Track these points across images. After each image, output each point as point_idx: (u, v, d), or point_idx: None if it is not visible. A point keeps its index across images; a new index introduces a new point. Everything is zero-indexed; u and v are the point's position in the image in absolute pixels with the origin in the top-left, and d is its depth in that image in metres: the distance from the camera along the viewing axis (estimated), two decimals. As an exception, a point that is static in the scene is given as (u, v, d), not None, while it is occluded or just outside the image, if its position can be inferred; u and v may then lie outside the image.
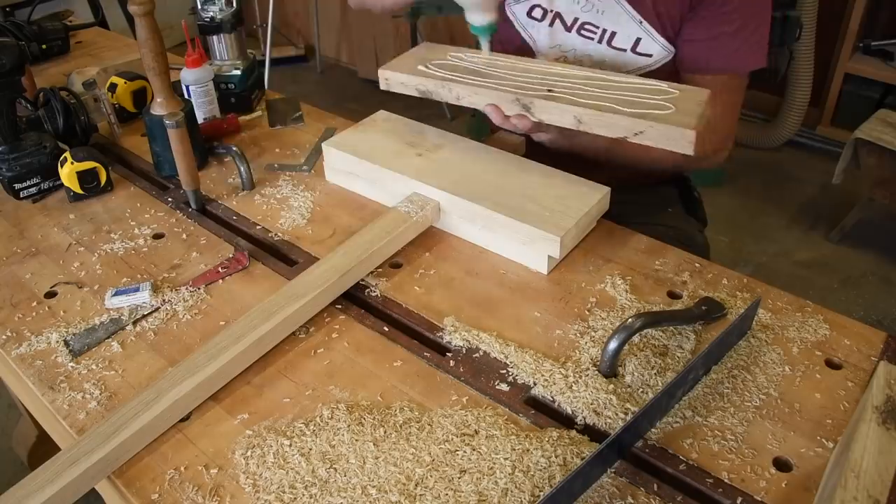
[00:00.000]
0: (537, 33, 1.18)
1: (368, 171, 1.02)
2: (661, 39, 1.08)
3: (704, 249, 1.23)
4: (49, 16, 1.65)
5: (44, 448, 1.69)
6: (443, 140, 1.06)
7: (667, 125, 0.83)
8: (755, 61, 1.07)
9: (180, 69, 1.17)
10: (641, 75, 1.10)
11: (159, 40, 0.96)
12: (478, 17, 1.01)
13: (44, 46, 1.52)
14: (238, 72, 1.25)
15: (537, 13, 1.16)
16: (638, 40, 1.09)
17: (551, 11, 1.14)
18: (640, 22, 1.08)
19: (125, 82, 1.24)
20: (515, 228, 0.88)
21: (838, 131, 2.76)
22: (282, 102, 1.34)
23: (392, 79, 1.02)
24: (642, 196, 1.24)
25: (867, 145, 2.18)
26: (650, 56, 1.10)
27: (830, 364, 0.76)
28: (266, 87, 1.42)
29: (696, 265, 0.91)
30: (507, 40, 1.22)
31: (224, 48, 1.25)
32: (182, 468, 0.67)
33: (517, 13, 1.19)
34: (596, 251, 0.93)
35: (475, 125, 3.01)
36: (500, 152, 1.02)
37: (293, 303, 0.80)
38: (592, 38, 1.12)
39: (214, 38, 1.23)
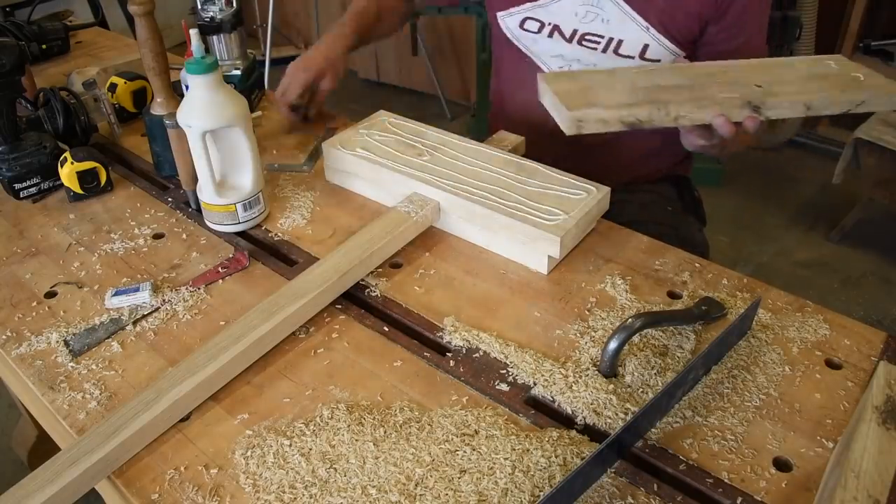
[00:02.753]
0: (534, 44, 1.18)
1: (368, 171, 1.02)
2: (669, 44, 1.09)
3: (704, 248, 1.23)
4: (49, 16, 1.65)
5: (44, 448, 1.69)
6: (443, 140, 1.06)
7: (885, 91, 0.86)
8: (762, 40, 1.13)
9: (180, 69, 1.17)
10: None
11: (159, 40, 0.96)
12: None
13: (44, 46, 1.52)
14: (238, 72, 1.25)
15: (532, 25, 1.16)
16: (646, 46, 1.10)
17: (549, 24, 1.14)
18: (647, 28, 1.08)
19: (125, 82, 1.24)
20: (515, 228, 0.88)
21: (838, 131, 2.76)
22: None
23: (587, 118, 0.82)
24: (641, 196, 1.24)
25: (867, 145, 2.18)
26: (658, 62, 1.11)
27: (830, 364, 0.76)
28: (266, 87, 1.42)
29: (696, 265, 0.91)
30: (505, 51, 1.22)
31: (224, 48, 1.24)
32: (182, 468, 0.67)
33: (509, 25, 1.18)
34: (596, 251, 0.93)
35: (475, 125, 3.01)
36: (501, 152, 1.02)
37: (293, 303, 0.80)
38: (596, 48, 1.12)
39: (214, 38, 1.23)
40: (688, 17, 1.07)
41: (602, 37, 1.11)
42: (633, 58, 1.11)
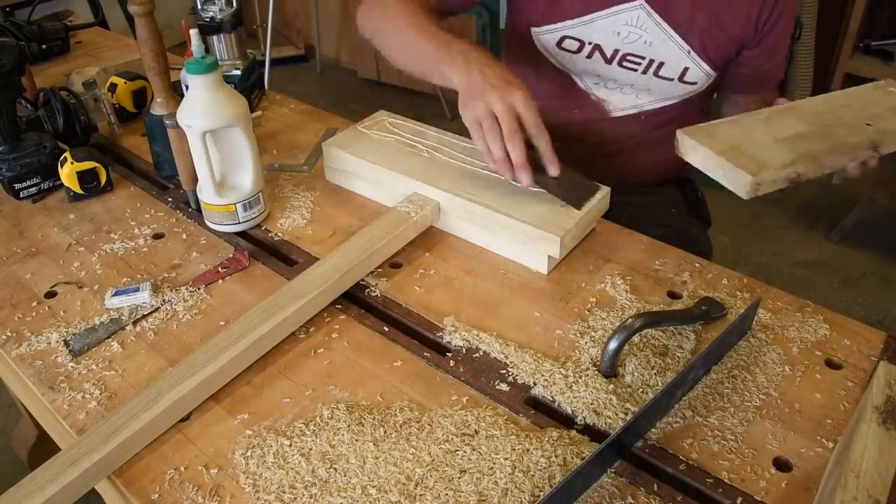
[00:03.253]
0: (572, 64, 1.14)
1: (368, 171, 1.02)
2: (706, 67, 1.10)
3: (708, 250, 1.23)
4: (49, 16, 1.65)
5: (44, 448, 1.69)
6: (442, 139, 1.05)
7: None
8: (780, 76, 1.19)
9: (180, 69, 1.17)
10: (685, 100, 1.16)
11: (159, 40, 0.96)
12: None
13: (44, 46, 1.52)
14: (238, 72, 1.25)
15: (570, 45, 1.11)
16: (685, 70, 1.10)
17: (589, 44, 1.10)
18: (689, 52, 1.08)
19: (125, 82, 1.24)
20: (515, 228, 0.88)
21: (838, 131, 2.76)
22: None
23: (763, 181, 0.82)
24: (644, 197, 1.24)
25: (867, 145, 2.18)
26: (695, 84, 1.12)
27: (830, 364, 0.76)
28: (266, 87, 1.42)
29: (696, 265, 0.91)
30: (532, 63, 1.17)
31: (224, 48, 1.24)
32: (182, 468, 0.67)
33: (546, 44, 1.13)
34: (596, 251, 0.93)
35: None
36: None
37: (293, 302, 0.80)
38: (636, 70, 1.11)
39: (214, 38, 1.23)
40: (728, 42, 1.09)
41: (643, 58, 1.09)
42: (672, 80, 1.11)
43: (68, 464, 0.65)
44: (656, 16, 1.06)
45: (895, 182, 2.22)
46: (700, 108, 1.22)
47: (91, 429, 0.68)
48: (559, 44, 1.11)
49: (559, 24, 1.10)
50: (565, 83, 1.17)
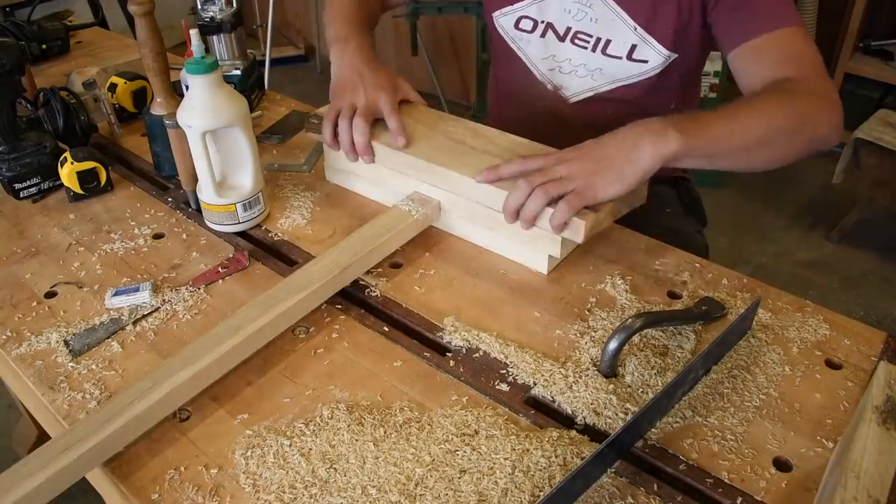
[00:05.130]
0: (527, 45, 1.16)
1: (368, 171, 1.01)
2: (657, 45, 1.06)
3: (703, 251, 1.23)
4: (49, 16, 1.65)
5: (44, 448, 1.69)
6: (447, 129, 1.01)
7: None
8: (790, 20, 0.95)
9: (180, 69, 1.17)
10: (642, 81, 1.10)
11: (159, 40, 0.96)
12: None
13: (44, 46, 1.52)
14: (238, 72, 1.25)
15: (526, 24, 1.14)
16: (633, 47, 1.07)
17: (542, 22, 1.12)
18: (635, 28, 1.06)
19: (125, 82, 1.24)
20: (516, 227, 0.88)
21: (838, 131, 2.76)
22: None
23: None
24: None
25: (867, 145, 2.18)
26: (646, 62, 1.08)
27: (830, 364, 0.76)
28: (266, 87, 1.42)
29: (696, 265, 0.91)
30: (501, 53, 1.20)
31: (224, 48, 1.24)
32: (182, 468, 0.67)
33: (504, 25, 1.17)
34: (596, 251, 0.93)
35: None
36: (512, 138, 0.99)
37: (292, 296, 0.80)
38: (586, 47, 1.10)
39: (214, 38, 1.23)
40: (677, 13, 1.03)
41: (591, 35, 1.09)
42: (620, 58, 1.08)
43: (61, 450, 0.64)
44: None
45: (895, 182, 2.22)
46: (670, 99, 1.15)
47: (85, 417, 0.68)
48: (516, 24, 1.15)
49: (516, 6, 1.14)
50: (528, 76, 1.19)
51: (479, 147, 0.95)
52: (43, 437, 1.64)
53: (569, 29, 1.11)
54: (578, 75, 1.14)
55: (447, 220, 0.97)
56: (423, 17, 3.09)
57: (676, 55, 1.08)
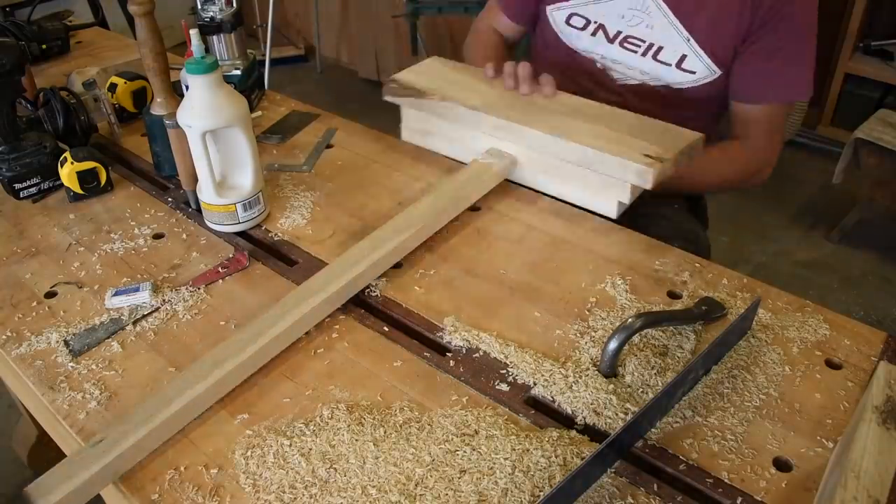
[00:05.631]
0: (577, 41, 1.21)
1: (448, 128, 1.08)
2: (707, 59, 1.12)
3: (706, 248, 1.23)
4: (49, 16, 1.65)
5: (44, 448, 1.69)
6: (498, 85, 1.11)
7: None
8: (797, 93, 1.14)
9: (180, 69, 1.17)
10: (687, 90, 1.18)
11: (159, 40, 0.96)
12: None
13: (44, 46, 1.52)
14: (238, 72, 1.25)
15: (577, 21, 1.19)
16: (683, 57, 1.13)
17: (595, 22, 1.17)
18: (688, 40, 1.12)
19: (125, 82, 1.24)
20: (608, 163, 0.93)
21: (838, 131, 2.76)
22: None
23: None
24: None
25: (867, 145, 2.18)
26: (693, 73, 1.14)
27: (830, 364, 0.76)
28: (266, 87, 1.42)
29: (696, 265, 0.91)
30: (549, 42, 1.26)
31: (224, 48, 1.24)
32: (182, 468, 0.67)
33: (556, 19, 1.22)
34: (596, 251, 0.93)
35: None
36: (577, 99, 1.07)
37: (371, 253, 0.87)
38: (636, 52, 1.16)
39: (214, 38, 1.23)
40: (730, 36, 1.11)
41: (643, 41, 1.15)
42: (670, 65, 1.15)
43: (77, 468, 0.64)
44: (661, 2, 1.11)
45: (895, 182, 2.22)
46: (707, 119, 1.23)
47: (97, 435, 0.67)
48: (567, 20, 1.21)
49: (571, 2, 1.20)
50: (574, 58, 1.24)
51: (550, 107, 1.04)
52: (43, 437, 1.64)
53: (619, 33, 1.16)
54: (629, 67, 1.20)
55: (521, 173, 1.05)
56: (423, 17, 3.09)
57: (721, 73, 1.13)
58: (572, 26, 1.20)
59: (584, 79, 1.24)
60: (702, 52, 1.12)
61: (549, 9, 1.23)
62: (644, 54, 1.16)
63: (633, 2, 1.14)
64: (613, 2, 1.16)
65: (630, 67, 1.19)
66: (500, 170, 1.03)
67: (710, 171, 1.14)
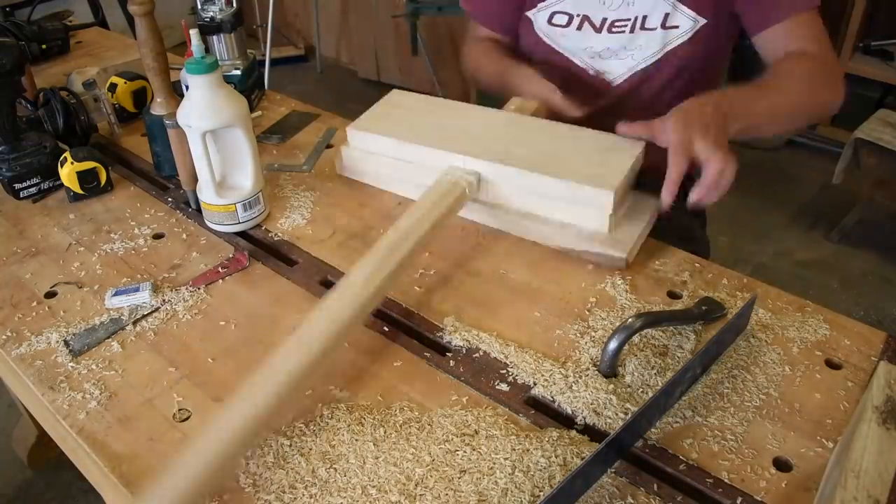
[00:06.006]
0: (564, 39, 1.19)
1: (404, 152, 1.00)
2: (688, 10, 1.11)
3: (705, 246, 1.24)
4: (49, 16, 1.65)
5: (44, 448, 1.69)
6: (466, 111, 1.07)
7: None
8: (812, 1, 1.08)
9: (180, 69, 1.17)
10: (678, 47, 1.14)
11: (159, 40, 0.96)
12: None
13: (44, 46, 1.52)
14: (238, 72, 1.25)
15: (560, 19, 1.17)
16: (666, 15, 1.12)
17: (578, 15, 1.16)
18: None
19: (125, 82, 1.24)
20: (571, 189, 0.89)
21: (838, 131, 2.76)
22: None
23: None
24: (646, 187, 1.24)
25: (867, 145, 2.18)
26: (677, 27, 1.12)
27: (830, 364, 0.76)
28: (266, 86, 1.42)
29: (696, 265, 0.91)
30: (539, 53, 1.23)
31: (224, 48, 1.25)
32: (182, 468, 0.67)
33: (537, 20, 1.20)
34: (596, 251, 0.93)
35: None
36: (526, 117, 1.04)
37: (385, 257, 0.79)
38: (624, 31, 1.14)
39: (214, 38, 1.23)
40: None
41: (628, 20, 1.14)
42: (655, 28, 1.13)
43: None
44: None
45: (895, 182, 2.22)
46: (701, 75, 1.19)
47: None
48: (550, 20, 1.18)
49: (548, 2, 1.17)
50: (569, 66, 1.21)
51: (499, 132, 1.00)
52: (43, 437, 1.64)
53: (605, 20, 1.15)
54: (619, 57, 1.18)
55: (490, 190, 0.96)
56: (423, 17, 3.09)
57: (705, 20, 1.11)
58: (555, 25, 1.18)
59: (580, 86, 1.21)
60: (683, 6, 1.10)
61: (530, 13, 1.21)
62: (632, 30, 1.14)
63: None
64: None
65: (620, 49, 1.16)
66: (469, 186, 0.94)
67: (781, 108, 1.02)
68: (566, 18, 1.16)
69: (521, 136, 0.98)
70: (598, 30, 1.15)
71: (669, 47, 1.15)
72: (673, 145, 0.89)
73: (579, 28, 1.16)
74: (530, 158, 0.93)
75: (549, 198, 0.92)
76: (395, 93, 1.13)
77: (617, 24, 1.14)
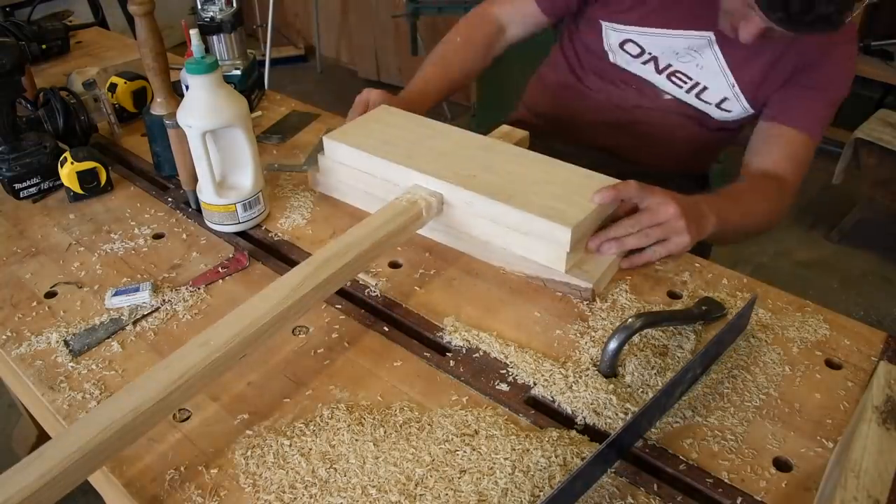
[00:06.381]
0: (626, 64, 1.22)
1: (371, 166, 0.98)
2: (745, 103, 1.15)
3: (706, 248, 1.24)
4: (49, 16, 1.65)
5: (44, 448, 1.69)
6: (446, 131, 1.03)
7: None
8: (819, 134, 1.12)
9: (180, 69, 1.17)
10: (719, 124, 1.21)
11: (159, 40, 0.96)
12: None
13: (44, 46, 1.52)
14: (238, 72, 1.25)
15: (632, 49, 1.19)
16: (724, 99, 1.17)
17: (649, 54, 1.18)
18: (733, 86, 1.14)
19: (125, 82, 1.24)
20: (528, 220, 0.85)
21: (838, 131, 2.76)
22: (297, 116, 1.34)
23: None
24: (659, 183, 1.24)
25: (867, 145, 2.19)
26: (730, 112, 1.18)
27: (830, 364, 0.76)
28: (266, 87, 1.42)
29: (696, 265, 0.91)
30: (592, 49, 1.24)
31: (224, 48, 1.25)
32: (182, 468, 0.67)
33: (611, 38, 1.20)
34: (596, 251, 0.93)
35: (475, 125, 3.01)
36: (506, 145, 1.01)
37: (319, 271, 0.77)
38: (681, 87, 1.19)
39: (214, 38, 1.23)
40: (771, 88, 1.13)
41: (691, 78, 1.17)
42: (710, 104, 1.18)
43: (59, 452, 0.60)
44: (717, 50, 1.12)
45: (895, 182, 2.22)
46: (714, 134, 1.26)
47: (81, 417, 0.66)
48: (622, 45, 1.20)
49: (630, 27, 1.17)
50: (620, 71, 1.24)
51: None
52: (43, 437, 1.64)
53: (669, 66, 1.18)
54: (663, 99, 1.23)
55: (453, 214, 0.93)
56: (423, 17, 3.09)
57: (753, 112, 1.17)
58: (626, 51, 1.20)
59: (629, 90, 1.24)
60: (742, 97, 1.15)
61: (604, 24, 1.20)
62: (689, 91, 1.18)
63: (692, 43, 1.13)
64: (674, 39, 1.14)
65: (672, 97, 1.21)
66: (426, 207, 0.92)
67: (749, 223, 1.06)
68: (638, 50, 1.19)
69: (494, 163, 0.94)
70: (659, 72, 1.19)
71: (714, 119, 1.21)
72: (655, 191, 0.88)
73: (644, 63, 1.20)
74: (495, 185, 0.89)
75: (509, 227, 0.88)
76: (382, 108, 1.10)
77: (678, 75, 1.18)
